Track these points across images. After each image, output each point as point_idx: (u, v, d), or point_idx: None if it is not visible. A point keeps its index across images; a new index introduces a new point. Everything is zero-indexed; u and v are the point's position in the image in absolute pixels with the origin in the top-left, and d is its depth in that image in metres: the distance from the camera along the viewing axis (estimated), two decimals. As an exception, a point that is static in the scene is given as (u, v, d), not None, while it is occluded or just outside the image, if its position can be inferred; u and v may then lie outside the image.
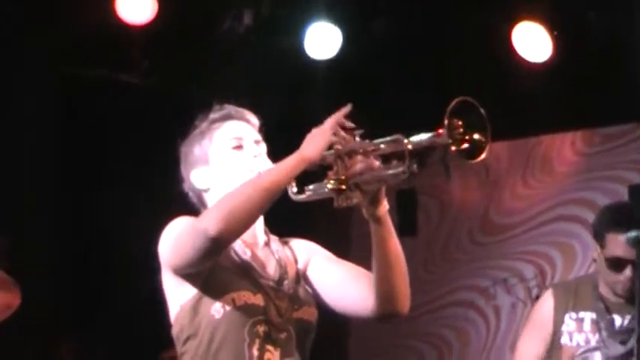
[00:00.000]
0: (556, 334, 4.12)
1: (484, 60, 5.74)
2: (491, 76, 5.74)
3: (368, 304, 2.81)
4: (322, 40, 5.83)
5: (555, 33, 5.64)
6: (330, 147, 2.68)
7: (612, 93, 5.66)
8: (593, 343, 4.07)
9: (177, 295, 2.78)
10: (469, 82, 5.62)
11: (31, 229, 5.68)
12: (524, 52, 5.67)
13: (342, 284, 2.88)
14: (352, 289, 2.86)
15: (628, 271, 3.99)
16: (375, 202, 2.71)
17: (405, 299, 2.81)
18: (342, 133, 2.67)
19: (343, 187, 2.67)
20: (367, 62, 5.98)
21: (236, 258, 2.81)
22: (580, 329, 4.10)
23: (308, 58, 5.86)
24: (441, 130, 2.50)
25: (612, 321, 4.07)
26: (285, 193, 2.75)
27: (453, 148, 2.52)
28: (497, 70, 5.75)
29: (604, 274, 4.08)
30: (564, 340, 4.11)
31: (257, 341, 2.73)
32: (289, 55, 5.85)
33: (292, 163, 2.67)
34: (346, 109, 2.69)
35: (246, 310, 2.73)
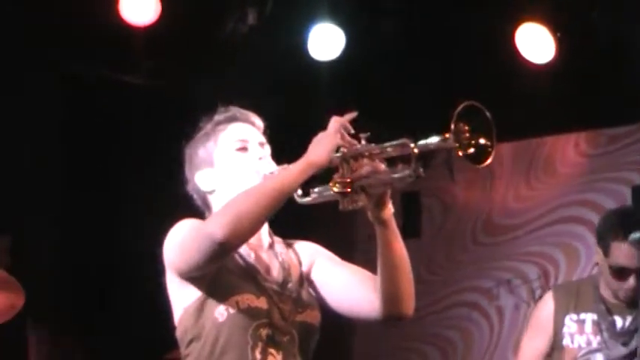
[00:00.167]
0: (557, 335, 4.13)
1: (487, 61, 5.74)
2: (494, 77, 5.73)
3: (373, 307, 2.81)
4: (325, 41, 5.83)
5: (559, 34, 5.63)
6: (337, 150, 2.67)
7: (616, 94, 5.66)
8: (594, 344, 4.07)
9: (182, 297, 2.78)
10: (472, 83, 5.63)
11: (33, 230, 5.68)
12: (527, 53, 5.66)
13: (347, 287, 2.88)
14: (357, 291, 2.85)
15: (632, 280, 3.99)
16: (380, 205, 2.71)
17: (410, 301, 2.81)
18: (348, 137, 2.67)
19: (349, 190, 2.66)
20: (370, 63, 5.97)
21: (240, 260, 2.81)
22: (581, 331, 4.10)
23: (311, 59, 5.86)
24: (447, 135, 2.50)
25: (614, 322, 4.07)
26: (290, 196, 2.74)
27: (460, 152, 2.51)
28: (501, 71, 5.74)
29: (606, 279, 4.07)
30: (566, 341, 4.11)
31: (260, 344, 2.73)
32: (292, 56, 5.85)
33: (300, 168, 2.67)
34: (352, 114, 2.69)
35: (249, 313, 2.73)
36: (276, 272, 2.85)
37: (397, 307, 2.79)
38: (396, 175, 2.63)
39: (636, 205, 5.75)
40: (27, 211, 5.60)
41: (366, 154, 2.66)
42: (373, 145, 2.67)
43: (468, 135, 2.53)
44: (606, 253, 4.02)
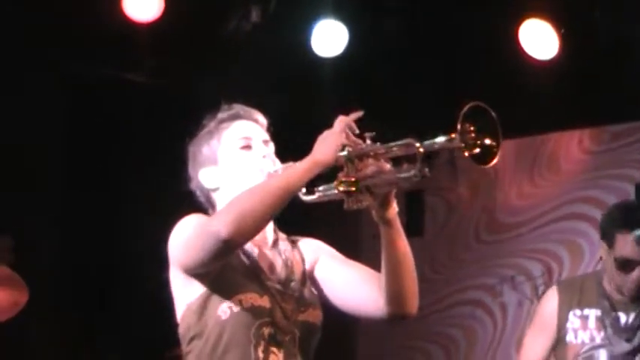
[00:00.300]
0: (561, 331, 4.12)
1: (491, 57, 5.73)
2: (498, 73, 5.73)
3: (377, 305, 2.81)
4: (329, 37, 5.83)
5: (562, 30, 5.62)
6: (342, 149, 2.67)
7: (619, 90, 5.65)
8: (598, 340, 4.07)
9: (185, 293, 2.78)
10: (476, 80, 5.63)
11: (33, 230, 5.67)
12: (531, 49, 5.66)
13: (351, 285, 2.88)
14: (361, 290, 2.85)
15: (637, 272, 3.98)
16: (385, 204, 2.70)
17: (413, 300, 2.81)
18: (353, 136, 2.66)
19: (354, 189, 2.66)
20: (373, 60, 5.97)
21: (244, 258, 2.81)
22: (585, 327, 4.10)
23: (315, 55, 5.86)
24: (453, 135, 2.49)
25: (617, 318, 4.07)
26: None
27: (466, 153, 2.51)
28: (504, 67, 5.73)
29: (611, 274, 4.07)
30: (569, 337, 4.11)
31: (262, 343, 2.74)
32: (296, 53, 5.85)
33: (305, 166, 2.66)
34: (358, 114, 2.69)
35: (252, 311, 2.73)
36: (279, 270, 2.85)
37: (401, 305, 2.79)
38: (401, 175, 2.63)
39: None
40: (27, 211, 5.60)
41: (371, 153, 2.66)
42: (378, 144, 2.66)
43: (473, 135, 2.53)
44: (610, 245, 4.02)
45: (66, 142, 5.90)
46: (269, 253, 2.88)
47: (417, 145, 2.57)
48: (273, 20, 5.66)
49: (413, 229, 6.32)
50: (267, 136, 2.95)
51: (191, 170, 2.96)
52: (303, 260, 2.93)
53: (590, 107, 5.93)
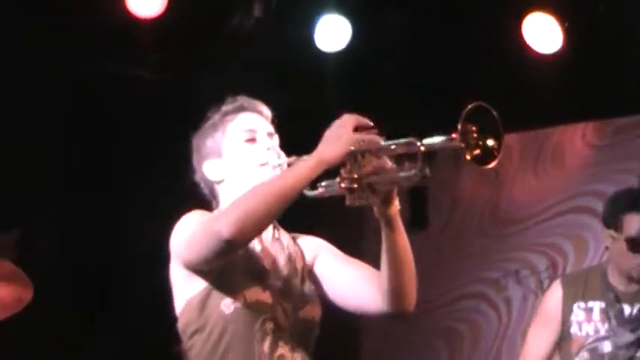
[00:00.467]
0: (565, 324, 4.13)
1: (495, 51, 5.73)
2: (501, 67, 5.72)
3: (376, 303, 2.82)
4: (332, 32, 5.83)
5: (566, 24, 5.61)
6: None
7: (623, 83, 5.64)
8: (602, 332, 4.08)
9: (185, 288, 2.79)
10: (480, 74, 5.62)
11: (36, 229, 5.66)
12: (534, 43, 5.65)
13: (350, 283, 2.88)
14: (361, 288, 2.86)
15: None
16: (386, 202, 2.69)
17: (411, 298, 2.81)
18: (359, 135, 2.62)
19: (356, 186, 2.65)
20: (377, 55, 5.97)
21: (247, 253, 2.81)
22: (589, 319, 4.10)
23: (318, 50, 5.86)
24: (454, 135, 2.48)
25: (622, 310, 4.07)
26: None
27: (467, 155, 2.49)
28: (508, 61, 5.73)
29: (619, 261, 4.07)
30: (574, 330, 4.11)
31: (267, 338, 2.75)
32: (299, 48, 5.85)
33: (311, 165, 2.63)
34: (366, 120, 2.66)
35: (256, 307, 2.74)
36: (282, 266, 2.86)
37: (400, 302, 2.79)
38: (402, 174, 2.62)
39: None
40: (27, 211, 5.59)
41: (373, 150, 2.64)
42: (381, 141, 2.64)
43: (475, 136, 2.51)
44: (619, 228, 4.02)
45: (66, 142, 5.88)
46: (272, 247, 2.88)
47: (419, 143, 2.56)
48: (276, 15, 5.66)
49: (417, 223, 6.32)
50: (271, 129, 2.94)
51: (195, 162, 2.95)
52: (302, 256, 2.93)
53: (594, 101, 5.92)
